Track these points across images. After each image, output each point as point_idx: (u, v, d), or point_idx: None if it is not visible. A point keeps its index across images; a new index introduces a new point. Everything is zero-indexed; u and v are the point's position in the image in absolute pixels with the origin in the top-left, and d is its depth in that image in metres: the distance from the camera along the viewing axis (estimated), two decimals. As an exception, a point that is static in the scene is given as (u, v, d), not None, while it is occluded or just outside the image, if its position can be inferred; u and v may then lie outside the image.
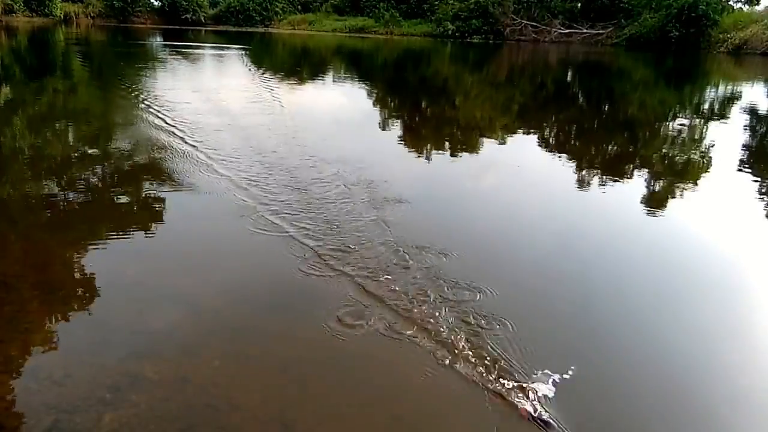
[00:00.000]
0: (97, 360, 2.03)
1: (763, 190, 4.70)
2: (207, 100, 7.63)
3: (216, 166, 4.41)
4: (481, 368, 2.02)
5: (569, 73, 16.13)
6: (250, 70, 13.16)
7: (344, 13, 36.69)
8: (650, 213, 4.01)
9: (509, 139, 6.73)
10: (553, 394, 1.88)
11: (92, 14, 35.08)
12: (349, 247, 2.97)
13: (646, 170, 5.35)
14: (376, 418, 1.85)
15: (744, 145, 6.63)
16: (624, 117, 8.88)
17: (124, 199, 3.82)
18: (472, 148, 6.13)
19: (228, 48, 19.96)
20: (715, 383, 2.12)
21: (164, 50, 17.65)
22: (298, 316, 2.41)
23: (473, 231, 3.55)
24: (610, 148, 6.59)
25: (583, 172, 5.20)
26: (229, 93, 8.57)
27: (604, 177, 4.99)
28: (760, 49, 21.23)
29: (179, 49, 17.39)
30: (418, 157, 5.61)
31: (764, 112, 9.08)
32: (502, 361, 2.05)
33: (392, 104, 9.46)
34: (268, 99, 8.10)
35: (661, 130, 7.75)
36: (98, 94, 8.86)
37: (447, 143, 6.38)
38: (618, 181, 4.95)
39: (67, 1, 34.11)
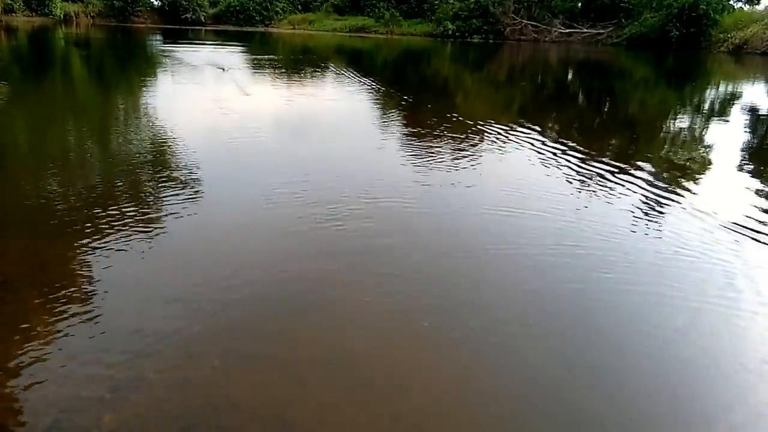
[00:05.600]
0: (97, 360, 2.03)
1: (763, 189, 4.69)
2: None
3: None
4: None
5: (570, 73, 16.11)
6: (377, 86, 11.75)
7: (344, 12, 36.71)
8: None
9: (511, 138, 6.71)
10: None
11: (92, 14, 35.10)
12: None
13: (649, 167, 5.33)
14: (376, 417, 1.84)
15: (744, 145, 6.62)
16: (625, 115, 8.87)
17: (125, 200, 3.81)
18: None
19: (266, 53, 18.49)
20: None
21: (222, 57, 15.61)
22: (298, 315, 2.41)
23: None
24: (609, 147, 6.58)
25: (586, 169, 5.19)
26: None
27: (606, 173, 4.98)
28: (760, 49, 21.21)
29: (228, 55, 16.31)
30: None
31: (764, 112, 9.08)
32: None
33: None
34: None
35: (661, 128, 7.74)
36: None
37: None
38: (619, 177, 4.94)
39: (67, 1, 34.14)
